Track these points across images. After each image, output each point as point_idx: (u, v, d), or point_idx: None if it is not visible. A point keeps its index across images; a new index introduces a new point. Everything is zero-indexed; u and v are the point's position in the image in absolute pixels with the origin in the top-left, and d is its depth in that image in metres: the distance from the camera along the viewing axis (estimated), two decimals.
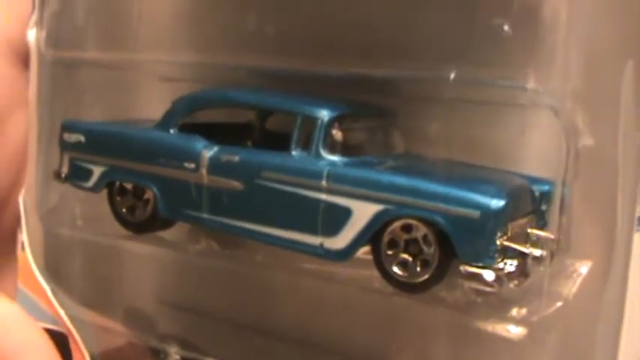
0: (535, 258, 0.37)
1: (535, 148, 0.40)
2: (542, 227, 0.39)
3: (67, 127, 0.45)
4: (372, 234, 0.37)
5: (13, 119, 0.47)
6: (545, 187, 0.39)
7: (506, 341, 0.36)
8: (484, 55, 0.37)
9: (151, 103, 0.49)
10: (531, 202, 0.39)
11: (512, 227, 0.37)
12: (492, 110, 0.41)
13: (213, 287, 0.46)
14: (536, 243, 0.37)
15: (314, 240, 0.38)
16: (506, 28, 0.36)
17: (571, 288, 0.37)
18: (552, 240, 0.37)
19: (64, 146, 0.45)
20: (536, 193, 0.39)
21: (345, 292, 0.42)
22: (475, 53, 0.37)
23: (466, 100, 0.40)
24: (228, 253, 0.44)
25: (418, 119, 0.42)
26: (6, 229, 0.47)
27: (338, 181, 0.37)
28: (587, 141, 0.37)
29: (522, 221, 0.38)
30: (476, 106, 0.41)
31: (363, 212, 0.37)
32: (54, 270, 0.47)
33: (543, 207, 0.39)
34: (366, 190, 0.37)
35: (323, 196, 0.38)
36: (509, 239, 0.36)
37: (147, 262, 0.48)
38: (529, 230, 0.38)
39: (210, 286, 0.46)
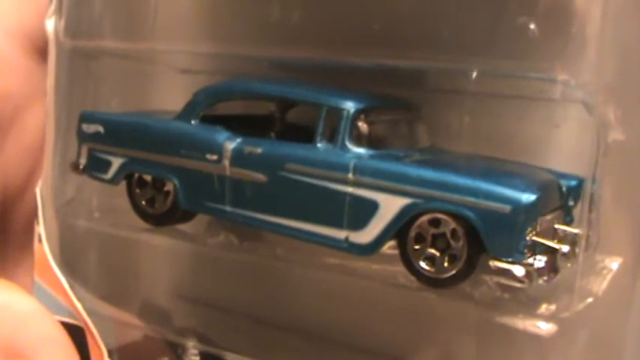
0: (563, 254, 0.36)
1: (564, 142, 0.40)
2: (569, 223, 0.39)
3: (86, 117, 0.44)
4: (399, 228, 0.36)
5: (31, 111, 0.46)
6: (573, 183, 0.39)
7: (535, 338, 0.35)
8: (513, 48, 0.36)
9: (169, 94, 0.48)
10: (559, 198, 0.39)
11: (541, 222, 0.36)
12: (521, 104, 0.40)
13: (232, 281, 0.46)
14: (564, 238, 0.37)
15: (339, 234, 0.37)
16: (532, 26, 0.36)
17: (601, 284, 0.36)
18: (581, 236, 0.37)
19: (83, 137, 0.44)
20: (564, 189, 0.39)
21: (365, 287, 0.41)
22: (504, 46, 0.36)
23: (494, 93, 0.40)
24: (247, 247, 0.44)
25: (444, 112, 0.42)
26: (22, 221, 0.47)
27: (365, 173, 0.37)
28: (618, 136, 0.36)
29: (550, 217, 0.37)
30: (504, 100, 0.41)
31: (390, 206, 0.36)
32: (70, 263, 0.46)
33: (570, 202, 0.39)
34: (393, 183, 0.36)
35: (349, 189, 0.37)
36: (537, 234, 0.36)
37: (165, 255, 0.47)
38: (556, 226, 0.38)
39: (228, 279, 0.46)
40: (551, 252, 0.36)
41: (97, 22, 0.45)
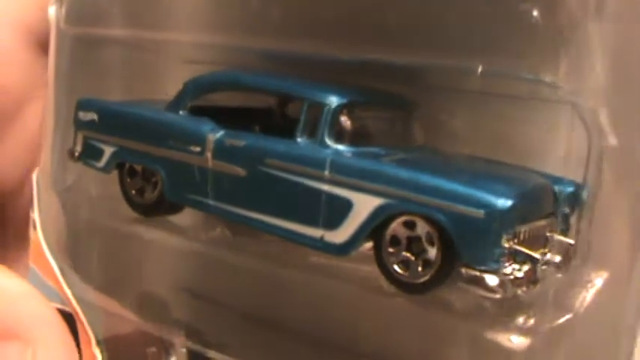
0: (554, 264, 0.35)
1: (564, 146, 0.37)
2: (564, 232, 0.37)
3: (82, 105, 0.44)
4: (374, 229, 0.35)
5: (31, 105, 0.46)
6: (570, 189, 0.36)
7: (510, 351, 0.33)
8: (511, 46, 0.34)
9: (175, 86, 0.48)
10: (553, 204, 0.37)
11: (527, 230, 0.34)
12: (520, 105, 0.38)
13: (223, 277, 0.45)
14: (554, 248, 0.35)
15: (315, 232, 0.36)
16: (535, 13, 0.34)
17: (584, 298, 0.34)
18: (570, 245, 0.35)
19: (79, 125, 0.44)
20: (559, 195, 0.37)
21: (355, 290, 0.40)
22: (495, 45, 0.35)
23: (491, 93, 0.38)
24: (240, 243, 0.43)
25: (440, 111, 0.40)
26: (21, 214, 0.47)
27: (340, 171, 0.35)
28: (610, 141, 0.34)
29: (540, 224, 0.35)
30: (502, 100, 0.39)
31: (363, 205, 0.35)
32: (69, 252, 0.46)
33: (565, 210, 0.37)
34: (367, 182, 0.35)
35: (325, 187, 0.36)
36: (521, 243, 0.34)
37: (160, 248, 0.47)
38: (548, 234, 0.36)
39: (219, 275, 0.45)
40: (531, 261, 0.34)
41: (98, 8, 0.45)
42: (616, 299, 0.34)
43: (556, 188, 0.36)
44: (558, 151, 0.37)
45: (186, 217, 0.44)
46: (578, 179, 0.35)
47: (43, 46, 0.45)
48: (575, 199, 0.36)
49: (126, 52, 0.47)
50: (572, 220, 0.36)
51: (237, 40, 0.43)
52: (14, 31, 0.45)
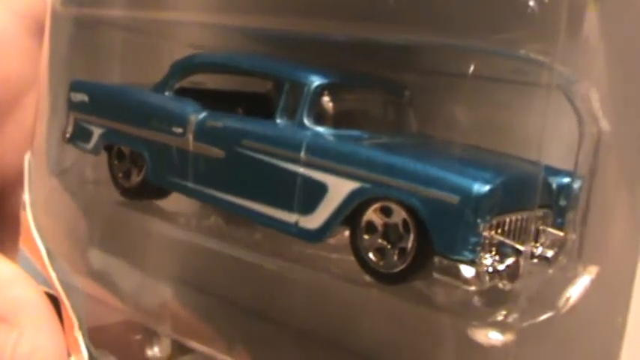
0: (543, 258, 0.32)
1: (563, 135, 0.35)
2: (560, 225, 0.34)
3: (74, 86, 0.44)
4: (349, 215, 0.33)
5: (32, 94, 0.45)
6: (565, 180, 0.34)
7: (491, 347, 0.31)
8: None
9: None
10: (548, 196, 0.34)
11: (514, 220, 0.32)
12: (520, 92, 0.36)
13: (215, 266, 0.44)
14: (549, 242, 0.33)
15: (290, 217, 0.34)
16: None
17: (571, 294, 0.31)
18: (560, 239, 0.33)
19: (70, 106, 0.44)
20: (554, 186, 0.34)
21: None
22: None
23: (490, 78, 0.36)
24: (231, 232, 0.41)
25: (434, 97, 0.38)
26: (20, 204, 0.46)
27: (316, 153, 0.34)
28: (605, 128, 0.31)
29: (530, 215, 0.33)
30: (497, 86, 0.37)
31: (338, 189, 0.33)
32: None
33: (562, 202, 0.34)
34: (342, 165, 0.33)
35: (301, 170, 0.34)
36: (505, 233, 0.32)
37: (150, 235, 0.46)
38: (541, 227, 0.33)
39: (211, 264, 0.44)
40: (516, 254, 0.31)
41: None
42: (606, 296, 0.31)
43: (551, 180, 0.34)
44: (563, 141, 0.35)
45: (184, 205, 0.43)
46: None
47: (43, 32, 0.45)
48: (571, 191, 0.34)
49: (125, 34, 0.46)
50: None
51: (239, 21, 0.42)
52: (20, 20, 0.45)
